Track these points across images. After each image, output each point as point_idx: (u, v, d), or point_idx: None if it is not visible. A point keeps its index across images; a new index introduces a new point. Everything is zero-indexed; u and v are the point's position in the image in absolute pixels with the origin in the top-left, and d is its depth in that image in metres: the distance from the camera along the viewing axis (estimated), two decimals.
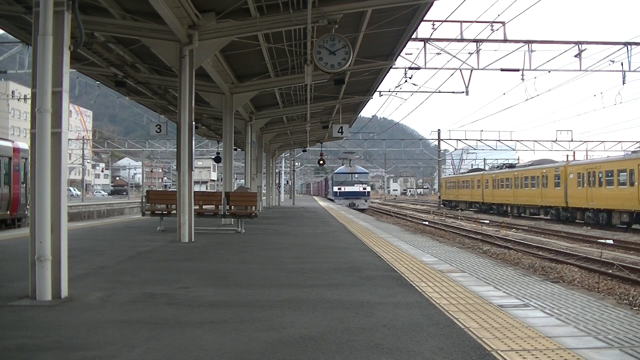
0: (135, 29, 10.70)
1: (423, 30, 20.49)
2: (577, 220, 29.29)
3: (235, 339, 3.85)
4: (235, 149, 22.51)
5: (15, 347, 3.65)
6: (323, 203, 41.43)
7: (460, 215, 36.04)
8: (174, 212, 11.69)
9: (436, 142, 55.31)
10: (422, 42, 19.21)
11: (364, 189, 45.56)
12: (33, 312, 4.62)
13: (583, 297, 5.37)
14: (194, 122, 10.76)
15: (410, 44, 15.98)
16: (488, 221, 31.23)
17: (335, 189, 45.71)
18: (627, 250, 17.71)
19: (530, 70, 20.25)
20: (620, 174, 25.34)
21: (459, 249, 10.05)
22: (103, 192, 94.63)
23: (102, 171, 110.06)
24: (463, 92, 21.65)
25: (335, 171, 49.36)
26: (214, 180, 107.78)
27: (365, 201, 45.15)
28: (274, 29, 11.51)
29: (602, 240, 20.06)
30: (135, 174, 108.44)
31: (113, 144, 71.07)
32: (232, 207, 12.77)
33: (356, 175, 45.95)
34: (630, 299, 10.67)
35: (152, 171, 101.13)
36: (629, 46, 19.98)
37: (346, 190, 44.79)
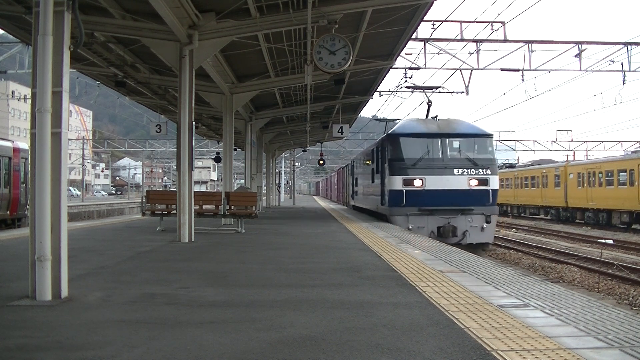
0: (135, 29, 10.70)
1: (423, 30, 20.40)
2: (577, 220, 29.31)
3: (235, 339, 3.85)
4: (235, 149, 22.52)
5: (15, 347, 3.65)
6: (324, 203, 41.18)
7: None
8: (174, 212, 11.69)
9: None
10: (422, 42, 19.20)
11: (483, 182, 15.69)
12: (33, 312, 4.62)
13: (583, 297, 5.37)
14: (194, 122, 10.76)
15: (410, 44, 15.97)
16: None
17: (396, 183, 15.83)
18: (627, 250, 17.71)
19: (530, 70, 20.23)
20: (620, 174, 25.36)
21: (458, 249, 10.04)
22: (103, 192, 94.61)
23: (102, 171, 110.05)
24: (463, 92, 21.64)
25: (392, 130, 17.23)
26: (214, 180, 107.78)
27: (488, 219, 15.64)
28: (274, 29, 11.52)
29: (602, 240, 20.07)
30: (135, 174, 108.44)
31: (113, 144, 71.07)
32: (232, 207, 12.77)
33: (455, 144, 16.22)
34: (630, 299, 10.68)
35: (152, 171, 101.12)
36: (629, 46, 19.96)
37: (430, 188, 15.56)
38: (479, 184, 15.52)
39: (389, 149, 16.47)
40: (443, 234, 15.13)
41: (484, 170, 15.65)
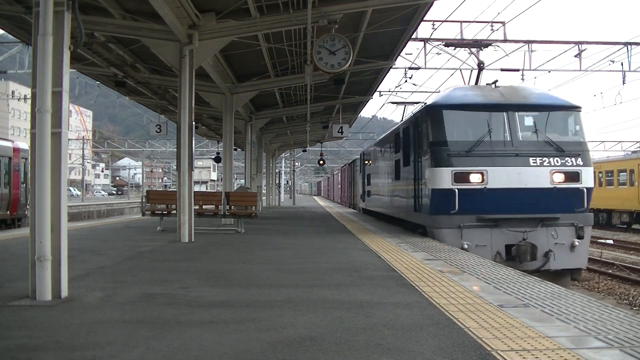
0: (135, 29, 10.71)
1: (423, 30, 20.41)
2: None
3: (235, 339, 3.85)
4: (235, 149, 22.52)
5: (15, 347, 3.65)
6: (324, 203, 41.17)
7: None
8: (174, 212, 11.70)
9: None
10: (422, 42, 19.20)
11: (573, 177, 10.44)
12: (33, 312, 4.62)
13: (583, 297, 5.37)
14: (194, 122, 10.77)
15: (410, 44, 15.96)
16: None
17: (443, 178, 10.45)
18: (627, 250, 17.72)
19: (530, 70, 20.21)
20: (620, 174, 25.37)
21: (458, 249, 10.02)
22: (103, 192, 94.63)
23: (102, 171, 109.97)
24: None
25: (434, 101, 11.59)
26: (214, 180, 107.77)
27: (580, 232, 10.43)
28: (274, 29, 11.52)
29: (602, 240, 20.07)
30: (135, 174, 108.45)
31: (113, 144, 71.05)
32: (232, 207, 12.78)
33: (529, 121, 10.92)
34: (630, 299, 10.69)
35: (152, 171, 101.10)
36: (629, 46, 19.95)
37: (495, 186, 10.27)
38: (567, 180, 10.41)
39: (430, 128, 11.08)
40: (517, 256, 10.03)
41: (573, 160, 10.52)
